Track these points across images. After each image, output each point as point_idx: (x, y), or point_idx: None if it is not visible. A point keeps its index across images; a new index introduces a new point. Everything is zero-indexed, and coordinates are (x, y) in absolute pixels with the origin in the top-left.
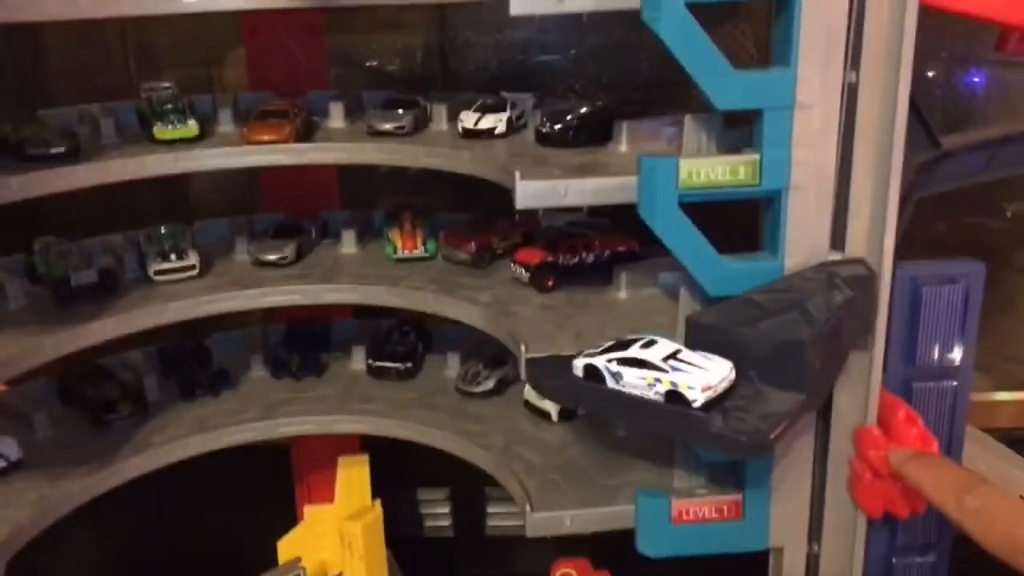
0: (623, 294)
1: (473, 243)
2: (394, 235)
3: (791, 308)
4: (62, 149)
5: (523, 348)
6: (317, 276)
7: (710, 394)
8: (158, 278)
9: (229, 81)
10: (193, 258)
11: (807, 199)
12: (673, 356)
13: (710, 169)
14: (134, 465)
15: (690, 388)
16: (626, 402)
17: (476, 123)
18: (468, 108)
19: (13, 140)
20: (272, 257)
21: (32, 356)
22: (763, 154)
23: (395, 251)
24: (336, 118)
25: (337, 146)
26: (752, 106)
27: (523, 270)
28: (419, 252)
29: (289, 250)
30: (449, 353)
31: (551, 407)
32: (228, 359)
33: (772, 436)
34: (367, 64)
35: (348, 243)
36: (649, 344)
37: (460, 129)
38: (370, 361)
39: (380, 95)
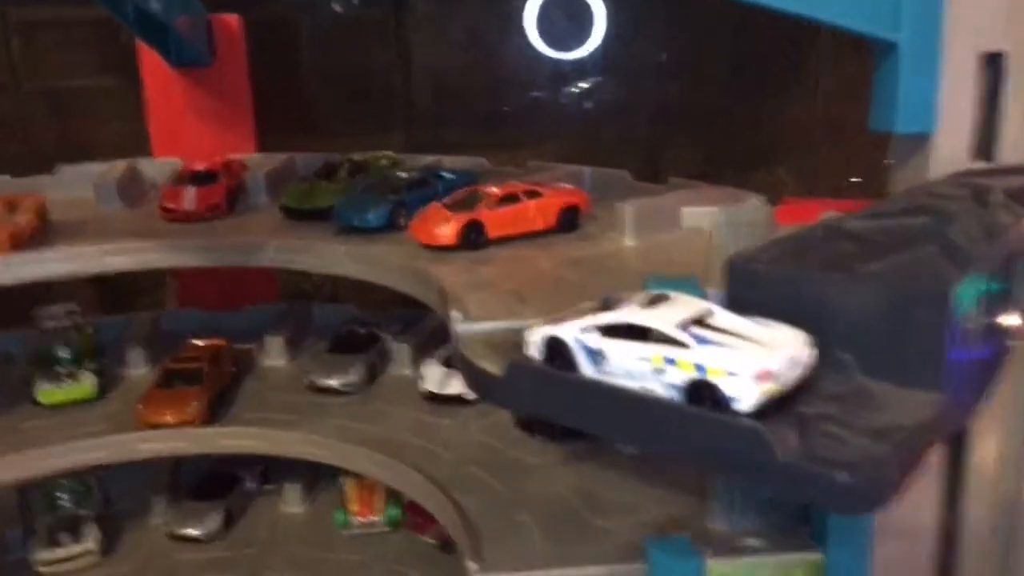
0: None
1: None
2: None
3: (918, 240)
4: None
5: None
6: (247, 563)
7: (769, 387)
8: (44, 570)
9: None
10: (90, 540)
11: None
12: (698, 322)
13: None
14: None
15: (730, 375)
16: (615, 403)
17: (442, 385)
18: (433, 357)
19: None
20: (195, 533)
21: None
22: None
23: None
24: (275, 354)
25: (259, 432)
26: None
27: None
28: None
29: (214, 520)
30: None
31: None
32: None
33: (899, 472)
34: None
35: (292, 501)
36: (656, 301)
37: (422, 390)
38: None
39: (338, 316)
